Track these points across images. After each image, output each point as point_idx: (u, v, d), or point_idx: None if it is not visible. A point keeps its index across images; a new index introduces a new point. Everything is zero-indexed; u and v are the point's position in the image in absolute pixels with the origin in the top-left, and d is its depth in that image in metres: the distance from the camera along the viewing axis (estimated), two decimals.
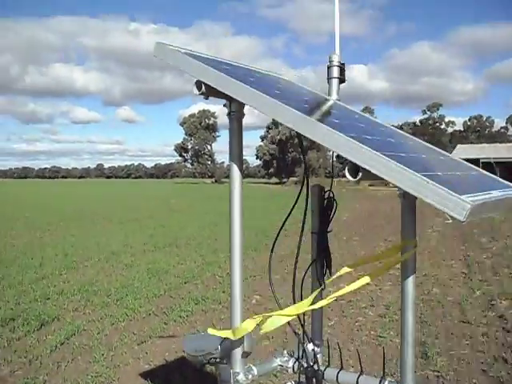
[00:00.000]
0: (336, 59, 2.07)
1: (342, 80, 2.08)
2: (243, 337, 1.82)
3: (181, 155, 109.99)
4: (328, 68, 2.07)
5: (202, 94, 1.61)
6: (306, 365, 1.83)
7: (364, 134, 1.51)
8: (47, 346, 5.57)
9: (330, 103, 1.92)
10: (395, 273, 9.76)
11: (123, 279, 9.01)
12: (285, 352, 2.00)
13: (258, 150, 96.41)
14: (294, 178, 79.72)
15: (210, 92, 1.62)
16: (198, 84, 1.60)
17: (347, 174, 1.30)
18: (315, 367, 1.81)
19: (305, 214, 1.89)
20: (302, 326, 1.93)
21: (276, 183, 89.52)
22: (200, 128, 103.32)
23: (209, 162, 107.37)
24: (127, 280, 8.98)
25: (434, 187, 1.15)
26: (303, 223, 1.85)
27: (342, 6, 1.94)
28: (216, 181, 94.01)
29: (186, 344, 2.07)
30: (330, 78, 2.09)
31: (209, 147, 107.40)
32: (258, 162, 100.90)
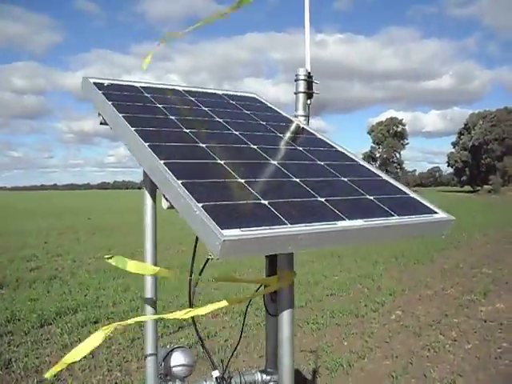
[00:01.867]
0: (303, 73, 1.95)
1: (309, 95, 1.95)
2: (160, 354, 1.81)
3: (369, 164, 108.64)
4: (295, 81, 1.96)
5: (101, 123, 1.66)
6: None
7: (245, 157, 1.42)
8: None
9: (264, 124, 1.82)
10: None
11: None
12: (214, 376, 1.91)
13: (449, 158, 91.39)
14: (488, 187, 74.11)
15: None
16: (99, 115, 1.66)
17: (163, 201, 1.24)
18: None
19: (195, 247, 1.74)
20: (207, 352, 1.84)
21: (469, 191, 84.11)
22: (388, 136, 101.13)
23: (398, 171, 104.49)
24: None
25: (199, 215, 1.04)
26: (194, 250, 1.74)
27: None
28: None
29: None
30: (296, 93, 1.98)
31: (397, 155, 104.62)
32: (450, 169, 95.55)
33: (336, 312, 7.68)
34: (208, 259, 1.57)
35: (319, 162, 1.59)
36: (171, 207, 1.21)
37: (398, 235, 1.31)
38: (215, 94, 2.06)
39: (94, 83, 1.73)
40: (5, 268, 11.22)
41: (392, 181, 1.59)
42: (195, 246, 1.67)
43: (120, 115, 1.51)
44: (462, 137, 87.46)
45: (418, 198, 1.49)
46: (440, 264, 11.96)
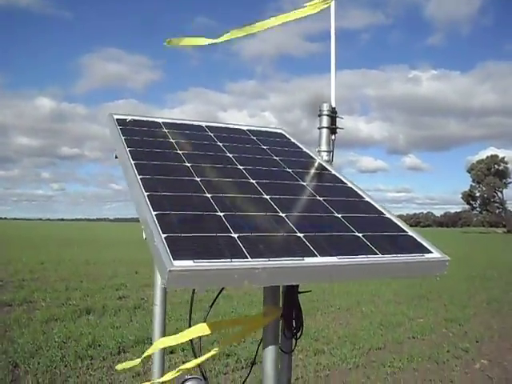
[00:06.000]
0: (326, 108, 1.94)
1: (332, 130, 1.93)
2: None
3: (468, 203, 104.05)
4: (318, 116, 1.96)
5: (116, 157, 1.73)
6: None
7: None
8: None
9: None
10: None
11: (351, 329, 8.97)
12: None
13: None
14: None
15: None
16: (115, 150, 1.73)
17: (143, 231, 1.28)
18: None
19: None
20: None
21: None
22: (489, 174, 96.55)
23: (500, 210, 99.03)
24: (354, 330, 8.93)
25: (156, 245, 1.06)
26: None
27: None
28: (509, 231, 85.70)
29: None
30: (319, 128, 1.96)
31: (499, 194, 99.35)
32: None
33: (415, 356, 7.34)
34: (222, 289, 1.58)
35: (318, 198, 1.57)
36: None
37: (379, 273, 1.26)
38: (238, 129, 2.11)
39: (117, 119, 1.84)
40: (95, 295, 11.76)
41: (394, 218, 1.54)
42: (192, 297, 1.68)
43: (127, 149, 1.59)
44: None
45: (416, 237, 1.43)
46: None
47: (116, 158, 1.75)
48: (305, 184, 1.68)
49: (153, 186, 1.38)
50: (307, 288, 1.52)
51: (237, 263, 1.09)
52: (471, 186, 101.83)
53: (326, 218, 1.44)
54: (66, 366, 6.40)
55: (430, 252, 1.35)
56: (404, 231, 1.47)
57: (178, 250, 1.07)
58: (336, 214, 1.48)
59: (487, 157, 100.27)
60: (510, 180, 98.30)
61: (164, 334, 1.71)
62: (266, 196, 1.50)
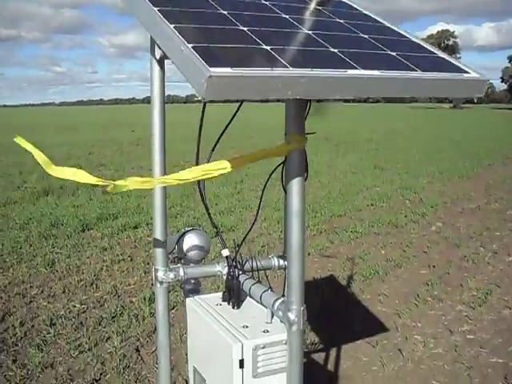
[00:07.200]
0: None
1: None
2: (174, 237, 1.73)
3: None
4: None
5: None
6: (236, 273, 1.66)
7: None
8: None
9: None
10: None
11: (311, 198, 9.10)
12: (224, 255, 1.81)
13: (503, 73, 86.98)
14: None
15: None
16: None
17: (156, 50, 1.12)
18: (235, 276, 1.64)
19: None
20: (217, 229, 1.74)
21: None
22: (439, 49, 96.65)
23: None
24: (315, 199, 9.10)
25: (185, 53, 0.91)
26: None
27: None
28: (455, 106, 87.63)
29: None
30: None
31: None
32: (504, 85, 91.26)
33: (375, 222, 7.62)
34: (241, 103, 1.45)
35: (338, 20, 1.43)
36: (164, 56, 1.10)
37: (420, 90, 1.16)
38: None
39: None
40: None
41: (420, 41, 1.43)
42: (202, 116, 1.54)
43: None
44: None
45: (448, 58, 1.34)
46: (485, 179, 11.62)
47: None
48: (320, 8, 1.52)
49: (163, 3, 1.19)
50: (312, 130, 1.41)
51: (279, 71, 0.96)
52: None
53: (354, 37, 1.31)
54: (30, 246, 6.34)
55: (468, 72, 1.26)
56: (434, 53, 1.37)
57: (211, 58, 0.93)
58: (362, 35, 1.35)
59: (438, 32, 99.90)
60: (459, 55, 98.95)
61: (165, 169, 1.58)
62: (284, 15, 1.34)
